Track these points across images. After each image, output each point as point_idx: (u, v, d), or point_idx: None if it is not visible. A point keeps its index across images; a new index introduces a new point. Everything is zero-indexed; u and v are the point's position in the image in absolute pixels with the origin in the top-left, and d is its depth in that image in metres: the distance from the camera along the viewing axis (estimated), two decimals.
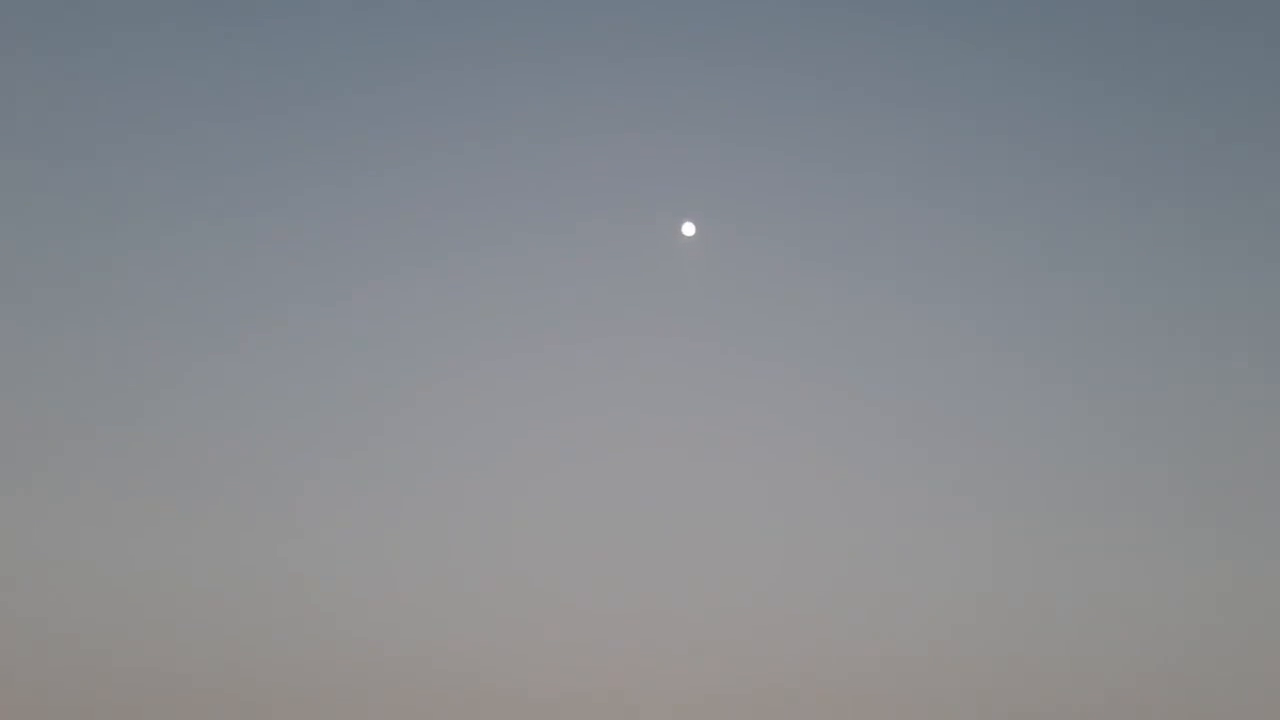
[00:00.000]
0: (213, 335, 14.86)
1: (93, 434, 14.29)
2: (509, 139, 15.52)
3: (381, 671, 13.50)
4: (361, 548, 14.01)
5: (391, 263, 15.41)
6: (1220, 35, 15.13)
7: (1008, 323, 15.07)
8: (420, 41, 15.80)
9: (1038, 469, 14.38)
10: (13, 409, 14.07)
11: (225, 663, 13.37)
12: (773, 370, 14.95)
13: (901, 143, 15.51)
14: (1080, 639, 13.42)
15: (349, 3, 15.79)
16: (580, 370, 14.95)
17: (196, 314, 14.85)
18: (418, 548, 14.11)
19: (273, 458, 14.38)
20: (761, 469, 14.63)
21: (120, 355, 14.61)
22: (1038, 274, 15.16)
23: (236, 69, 15.32)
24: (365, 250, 15.39)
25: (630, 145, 15.47)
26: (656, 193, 15.30)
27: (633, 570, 14.06)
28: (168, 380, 14.61)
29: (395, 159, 15.57)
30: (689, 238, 14.93)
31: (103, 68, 15.16)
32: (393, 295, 15.31)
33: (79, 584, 13.60)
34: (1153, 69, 15.32)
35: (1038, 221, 15.23)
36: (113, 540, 13.86)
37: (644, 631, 13.80)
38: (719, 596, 13.93)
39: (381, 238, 15.46)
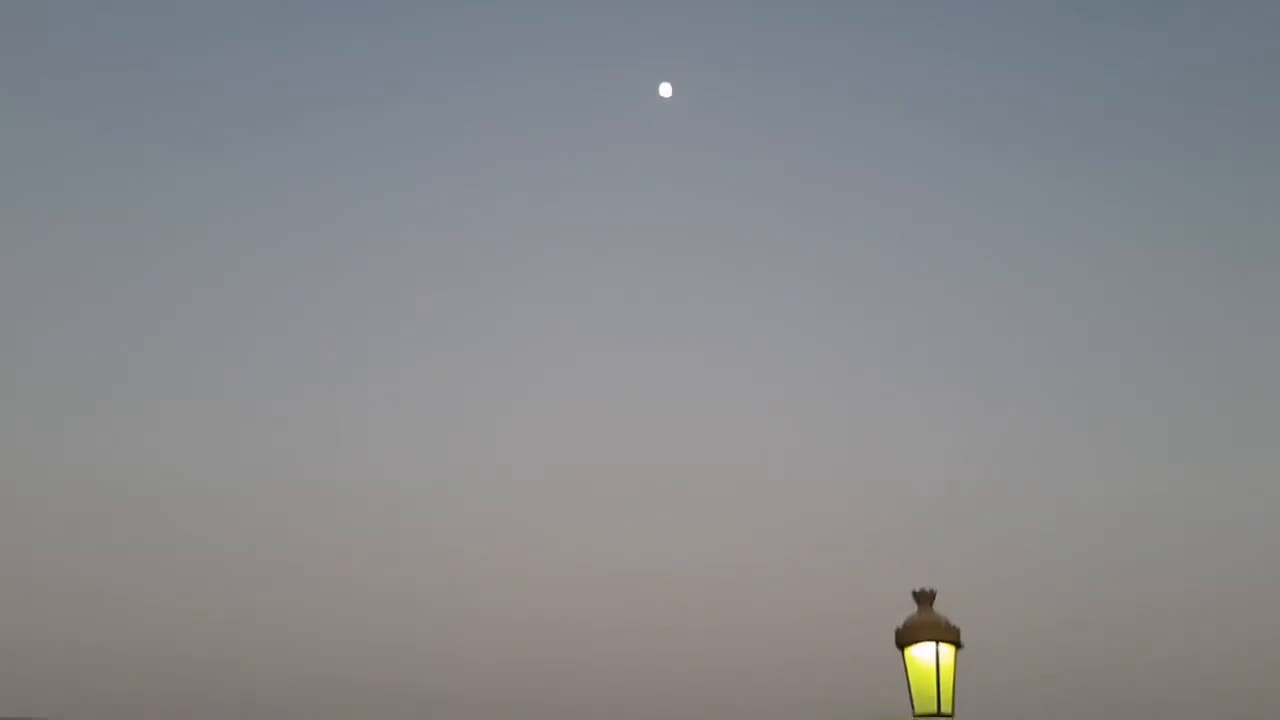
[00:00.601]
0: (231, 244, 15.09)
1: (109, 344, 14.64)
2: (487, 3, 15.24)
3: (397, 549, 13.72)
4: (375, 424, 14.13)
5: (364, 102, 15.12)
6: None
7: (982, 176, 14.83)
8: None
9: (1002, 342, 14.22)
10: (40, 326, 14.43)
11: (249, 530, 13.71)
12: (750, 228, 14.81)
13: (884, 9, 15.12)
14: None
15: None
16: (561, 229, 14.88)
17: (211, 229, 15.08)
18: (423, 419, 14.16)
19: (289, 355, 14.59)
20: (738, 329, 14.53)
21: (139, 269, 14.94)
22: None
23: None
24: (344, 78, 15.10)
25: (608, 8, 15.21)
26: (634, 55, 15.08)
27: (618, 433, 14.06)
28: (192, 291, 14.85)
29: (372, 34, 15.34)
30: (666, 99, 14.84)
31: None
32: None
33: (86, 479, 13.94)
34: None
35: (1034, 85, 14.87)
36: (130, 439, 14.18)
37: (639, 500, 13.84)
38: (708, 459, 13.92)
39: (359, 73, 15.13)
